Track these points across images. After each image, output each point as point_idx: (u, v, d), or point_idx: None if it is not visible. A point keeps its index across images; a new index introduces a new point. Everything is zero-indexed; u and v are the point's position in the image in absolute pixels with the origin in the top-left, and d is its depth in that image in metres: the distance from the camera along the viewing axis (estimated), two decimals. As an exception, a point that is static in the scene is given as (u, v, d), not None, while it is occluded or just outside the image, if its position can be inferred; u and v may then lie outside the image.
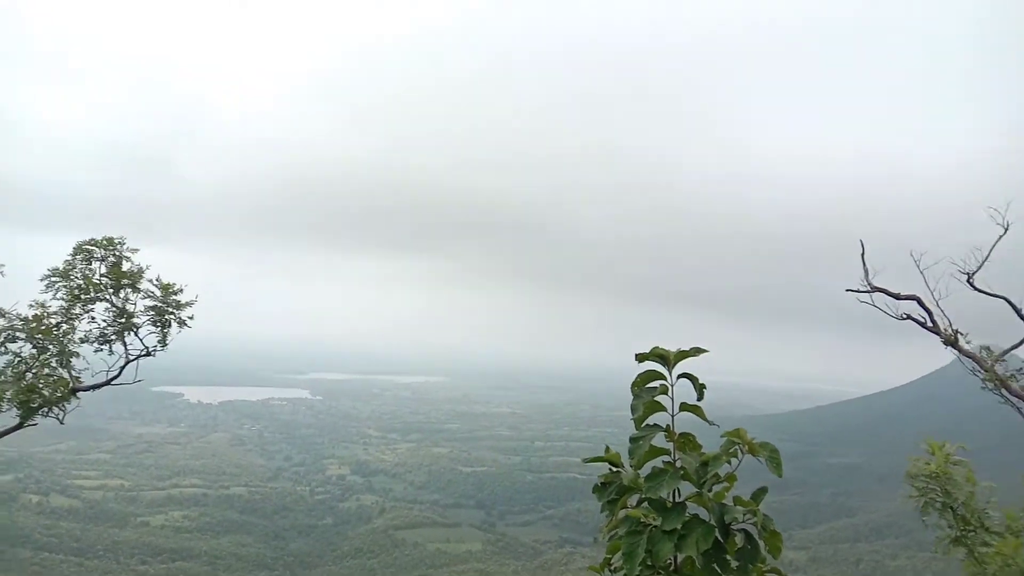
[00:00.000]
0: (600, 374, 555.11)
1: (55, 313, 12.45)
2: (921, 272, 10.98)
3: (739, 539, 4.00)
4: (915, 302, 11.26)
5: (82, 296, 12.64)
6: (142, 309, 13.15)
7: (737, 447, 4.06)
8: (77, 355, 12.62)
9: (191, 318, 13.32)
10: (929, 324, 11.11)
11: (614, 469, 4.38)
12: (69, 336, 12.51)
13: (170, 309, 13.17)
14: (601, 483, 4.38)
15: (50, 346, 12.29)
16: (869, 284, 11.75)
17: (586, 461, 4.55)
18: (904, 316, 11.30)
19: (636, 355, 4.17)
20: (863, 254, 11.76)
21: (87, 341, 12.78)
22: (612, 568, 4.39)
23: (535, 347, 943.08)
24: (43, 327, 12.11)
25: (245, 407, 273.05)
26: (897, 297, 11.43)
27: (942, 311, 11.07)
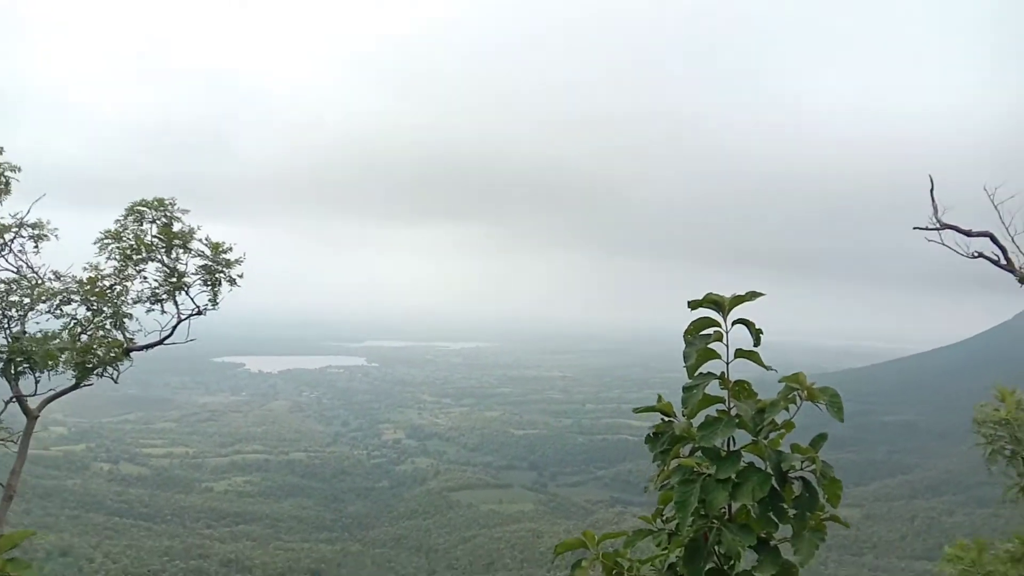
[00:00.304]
0: (652, 336, 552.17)
1: (108, 275, 12.46)
2: (995, 207, 10.11)
3: (797, 487, 3.86)
4: (988, 239, 10.45)
5: (134, 257, 12.61)
6: (193, 269, 13.02)
7: (796, 393, 3.87)
8: (130, 316, 12.60)
9: (241, 276, 13.24)
10: (1003, 262, 10.33)
11: (666, 419, 4.23)
12: (123, 297, 12.51)
13: (220, 268, 13.09)
14: (653, 433, 4.23)
15: (104, 308, 12.31)
16: (939, 221, 10.85)
17: (637, 411, 4.39)
18: (976, 255, 10.49)
19: (689, 302, 3.97)
20: (932, 190, 10.87)
21: (140, 301, 12.71)
22: (664, 518, 4.31)
23: (587, 311, 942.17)
24: (97, 289, 12.16)
25: (304, 375, 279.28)
26: (968, 234, 10.55)
27: (1018, 247, 10.26)
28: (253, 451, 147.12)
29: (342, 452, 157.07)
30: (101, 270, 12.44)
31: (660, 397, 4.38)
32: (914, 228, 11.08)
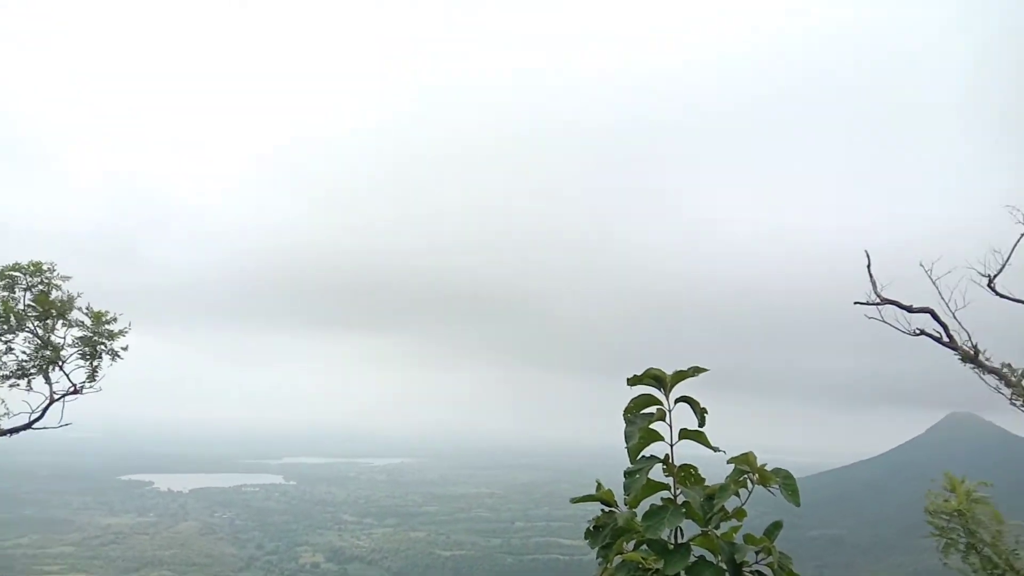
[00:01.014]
0: (578, 450, 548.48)
1: None
2: (934, 282, 10.08)
3: None
4: (929, 315, 10.48)
5: (1, 326, 11.10)
6: (71, 341, 11.77)
7: (747, 476, 3.67)
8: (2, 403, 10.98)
9: (125, 349, 11.97)
10: (945, 339, 10.30)
11: (607, 509, 3.98)
12: None
13: (102, 339, 11.77)
14: (593, 527, 3.96)
15: None
16: (879, 296, 10.81)
17: (575, 501, 4.17)
18: (918, 332, 10.46)
19: (628, 379, 3.75)
20: (869, 265, 10.82)
21: (3, 377, 11.22)
22: None
23: (511, 426, 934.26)
24: None
25: (216, 494, 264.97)
26: (909, 309, 10.46)
27: (959, 323, 10.25)
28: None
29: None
30: None
31: (599, 484, 4.13)
32: (855, 303, 10.98)
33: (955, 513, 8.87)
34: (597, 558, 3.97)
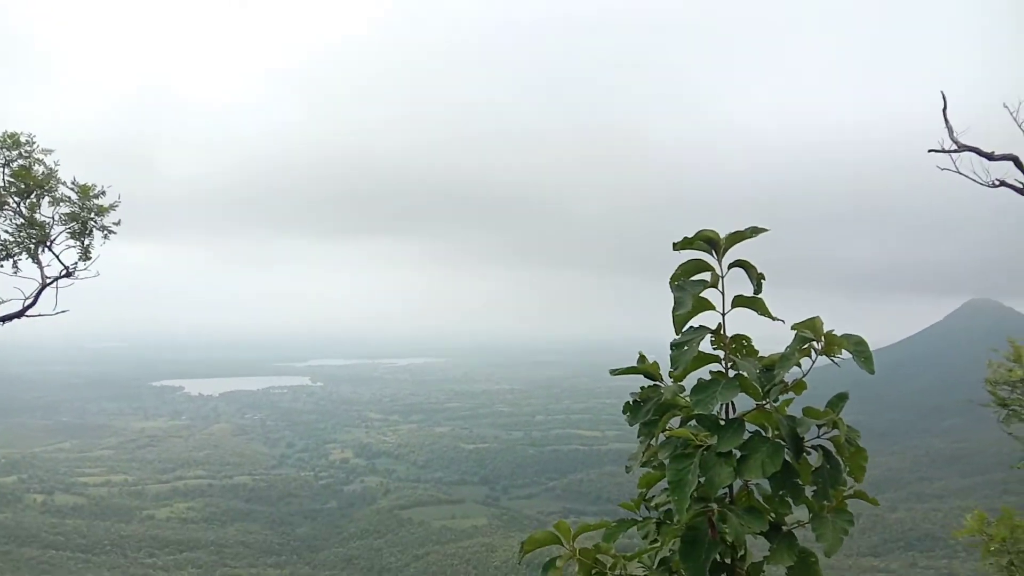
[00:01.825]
0: (597, 346, 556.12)
1: None
2: (1019, 125, 9.18)
3: (815, 459, 3.20)
4: (1012, 163, 9.61)
5: None
6: (58, 219, 10.66)
7: (810, 343, 3.13)
8: None
9: (118, 224, 10.77)
10: None
11: (651, 383, 3.48)
12: None
13: (91, 215, 10.65)
14: (634, 401, 3.45)
15: None
16: (955, 142, 9.85)
17: (615, 373, 3.65)
18: (997, 183, 9.52)
19: (675, 243, 3.21)
20: (944, 109, 10.01)
21: None
22: (652, 504, 3.62)
23: (530, 324, 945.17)
24: None
25: (246, 397, 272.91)
26: (990, 157, 9.49)
27: None
28: (195, 476, 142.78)
29: (288, 474, 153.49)
30: None
31: (642, 356, 3.62)
32: (929, 151, 9.97)
33: (1020, 382, 8.44)
34: (638, 436, 3.40)
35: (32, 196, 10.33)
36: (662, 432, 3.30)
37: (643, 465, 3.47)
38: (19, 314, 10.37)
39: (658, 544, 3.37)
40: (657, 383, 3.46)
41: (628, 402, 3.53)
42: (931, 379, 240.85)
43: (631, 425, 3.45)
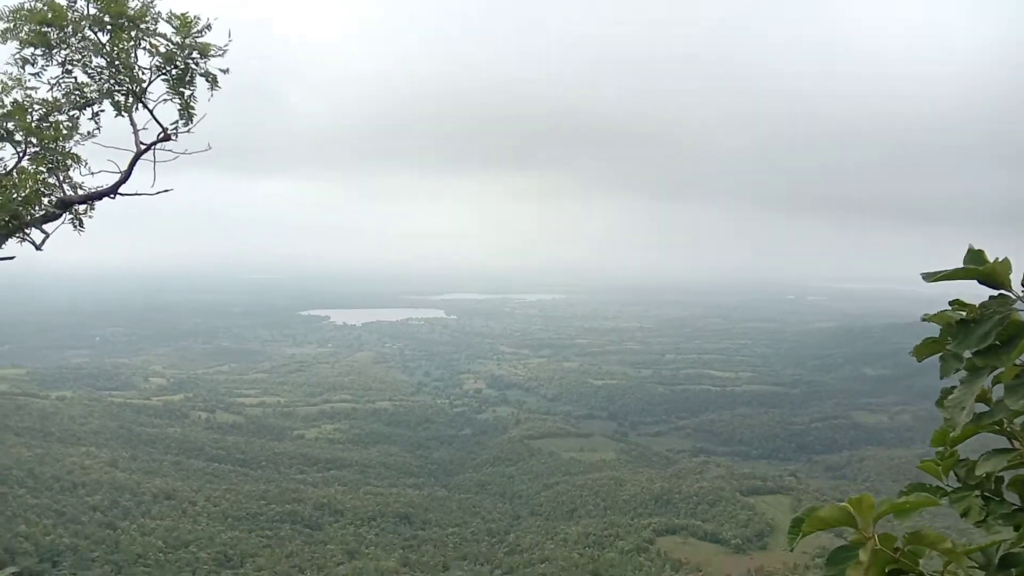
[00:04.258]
0: (729, 287, 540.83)
1: (40, 102, 7.95)
2: None
3: None
4: None
5: (47, 35, 7.73)
6: (153, 64, 8.16)
7: None
8: (75, 157, 8.05)
9: (226, 72, 8.22)
10: None
11: (996, 293, 2.50)
12: (63, 132, 7.99)
13: (193, 55, 8.13)
14: (960, 321, 2.54)
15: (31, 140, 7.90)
16: None
17: (931, 279, 2.60)
18: None
19: (927, 275, 2.64)
20: None
21: (54, 110, 7.98)
22: (968, 471, 2.87)
23: (656, 261, 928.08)
24: (27, 123, 7.82)
25: (386, 327, 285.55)
26: None
27: None
28: (341, 400, 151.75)
29: (425, 401, 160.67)
30: (31, 89, 7.93)
31: (977, 251, 2.54)
32: None
33: None
34: (958, 369, 2.59)
35: (123, 33, 7.85)
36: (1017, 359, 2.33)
37: (956, 415, 2.56)
38: (112, 190, 8.14)
39: (1000, 535, 2.61)
40: (1005, 292, 2.49)
41: (951, 320, 2.49)
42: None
43: (957, 349, 2.49)
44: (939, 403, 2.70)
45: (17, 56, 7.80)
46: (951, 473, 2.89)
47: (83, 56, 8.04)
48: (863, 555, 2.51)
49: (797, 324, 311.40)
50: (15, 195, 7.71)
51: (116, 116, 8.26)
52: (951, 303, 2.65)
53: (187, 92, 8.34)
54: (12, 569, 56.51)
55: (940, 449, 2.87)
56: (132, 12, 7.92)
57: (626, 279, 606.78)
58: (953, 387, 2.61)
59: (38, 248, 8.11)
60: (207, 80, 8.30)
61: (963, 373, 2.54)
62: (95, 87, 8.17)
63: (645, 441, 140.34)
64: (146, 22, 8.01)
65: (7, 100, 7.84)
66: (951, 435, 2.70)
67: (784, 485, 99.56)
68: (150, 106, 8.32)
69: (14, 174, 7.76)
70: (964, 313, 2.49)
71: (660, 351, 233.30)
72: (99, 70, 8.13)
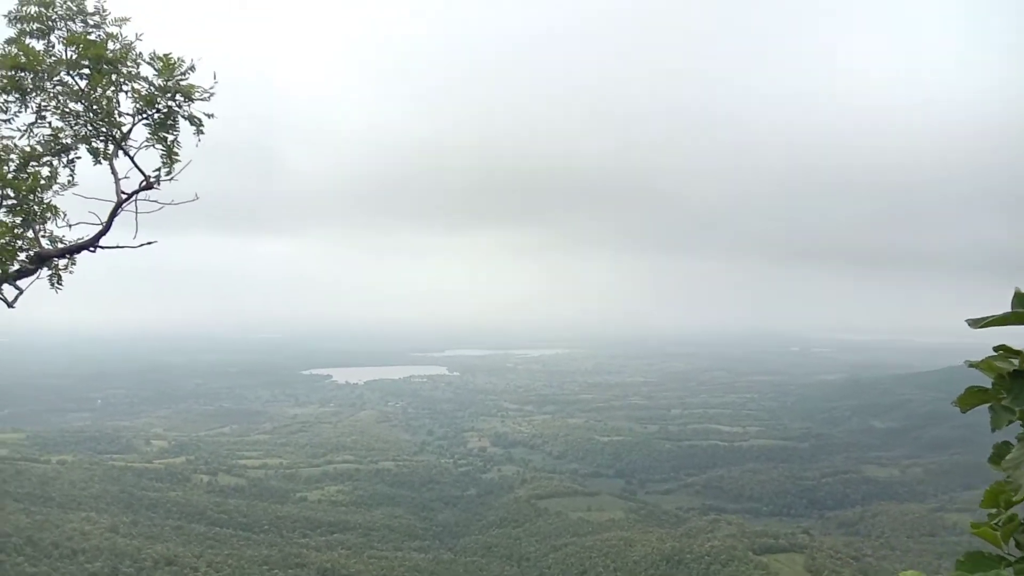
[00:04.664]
0: (732, 339, 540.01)
1: (17, 151, 7.74)
2: None
3: None
4: None
5: (22, 85, 7.51)
6: (132, 109, 7.80)
7: None
8: (55, 210, 7.69)
9: (211, 117, 7.85)
10: None
11: None
12: (40, 182, 7.73)
13: (177, 97, 7.85)
14: (1016, 372, 2.41)
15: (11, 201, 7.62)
16: None
17: (977, 324, 2.53)
18: None
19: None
20: None
21: (31, 159, 7.63)
22: None
23: (658, 315, 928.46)
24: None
25: (388, 385, 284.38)
26: None
27: None
28: (344, 461, 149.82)
29: (429, 461, 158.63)
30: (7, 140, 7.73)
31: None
32: None
33: None
34: (1009, 422, 2.49)
35: (102, 78, 7.60)
36: None
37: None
38: (92, 242, 7.65)
39: None
40: None
41: (1004, 372, 2.27)
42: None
43: (998, 420, 2.39)
44: (992, 460, 2.57)
45: None
46: (1011, 540, 2.61)
47: (59, 102, 7.74)
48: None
49: (802, 376, 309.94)
50: None
51: (95, 164, 7.92)
52: (997, 349, 2.49)
53: (170, 137, 7.96)
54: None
55: (992, 511, 2.63)
56: (111, 55, 7.61)
57: (628, 333, 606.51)
58: (1007, 443, 2.44)
59: (10, 306, 7.69)
60: (192, 124, 7.94)
61: (1020, 429, 2.39)
62: (71, 132, 7.84)
63: (654, 499, 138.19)
64: (127, 65, 7.73)
65: None
66: (1014, 498, 2.44)
67: (797, 543, 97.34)
68: (131, 152, 7.98)
69: None
70: (1016, 362, 2.32)
71: (666, 406, 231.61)
72: (76, 115, 7.80)
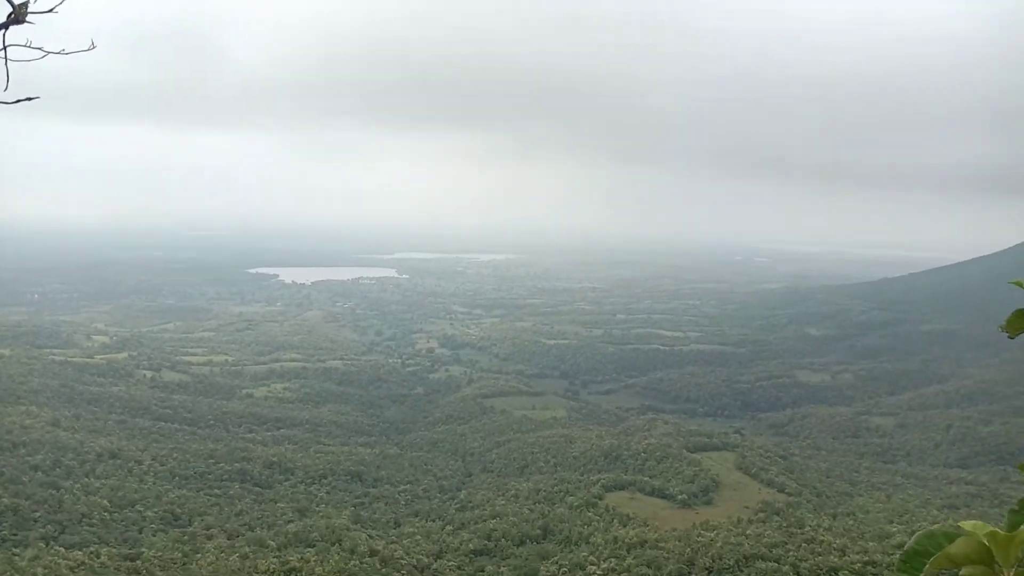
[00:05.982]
0: (681, 248, 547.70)
1: None
2: None
3: None
4: None
5: None
6: None
7: None
8: None
9: None
10: None
11: None
12: None
13: None
14: None
15: None
16: None
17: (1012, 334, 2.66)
18: None
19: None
20: None
21: None
22: None
23: (609, 222, 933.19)
24: None
25: (336, 286, 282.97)
26: None
27: None
28: (291, 359, 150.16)
29: (377, 360, 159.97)
30: None
31: None
32: None
33: None
34: None
35: None
36: None
37: None
38: None
39: None
40: None
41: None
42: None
43: None
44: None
45: None
46: None
47: None
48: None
49: (744, 285, 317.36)
50: None
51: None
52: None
53: None
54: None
55: None
56: None
57: (578, 240, 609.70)
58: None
59: None
60: None
61: None
62: None
63: (595, 399, 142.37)
64: None
65: None
66: None
67: (729, 442, 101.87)
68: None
69: None
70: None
71: (611, 311, 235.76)
72: None
